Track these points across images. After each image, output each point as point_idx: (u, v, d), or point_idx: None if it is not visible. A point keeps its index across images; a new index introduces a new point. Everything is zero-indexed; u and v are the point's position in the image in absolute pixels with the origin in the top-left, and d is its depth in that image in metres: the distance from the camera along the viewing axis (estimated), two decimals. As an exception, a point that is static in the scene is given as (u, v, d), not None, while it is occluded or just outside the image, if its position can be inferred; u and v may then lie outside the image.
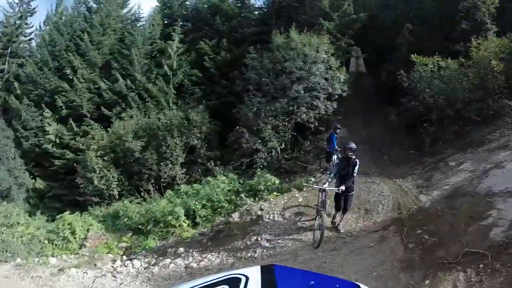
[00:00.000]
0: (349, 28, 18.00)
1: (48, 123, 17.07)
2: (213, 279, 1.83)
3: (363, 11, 18.99)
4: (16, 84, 18.59)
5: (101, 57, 18.31)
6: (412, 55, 14.92)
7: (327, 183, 8.30)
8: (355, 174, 8.13)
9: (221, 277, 1.84)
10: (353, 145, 8.08)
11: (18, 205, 13.31)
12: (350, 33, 18.04)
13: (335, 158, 11.95)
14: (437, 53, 14.71)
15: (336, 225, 8.76)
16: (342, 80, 15.16)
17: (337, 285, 1.93)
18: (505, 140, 10.85)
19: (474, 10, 15.90)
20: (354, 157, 8.09)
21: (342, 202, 8.33)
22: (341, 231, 8.59)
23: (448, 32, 16.61)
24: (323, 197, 8.17)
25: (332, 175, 8.29)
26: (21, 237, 10.03)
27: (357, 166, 8.12)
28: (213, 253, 8.67)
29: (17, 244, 9.63)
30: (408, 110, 14.77)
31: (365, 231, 8.47)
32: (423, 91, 14.04)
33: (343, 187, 7.94)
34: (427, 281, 5.59)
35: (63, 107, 17.21)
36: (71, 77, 17.49)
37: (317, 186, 8.83)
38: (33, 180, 16.28)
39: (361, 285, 1.97)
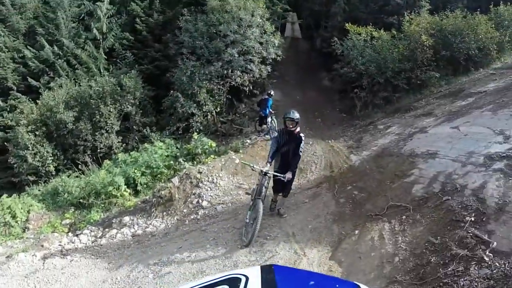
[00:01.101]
0: (285, -7, 18.06)
1: (-30, 101, 15.69)
2: (213, 279, 1.88)
3: (301, -23, 19.24)
4: None
5: (24, 22, 16.96)
6: (347, 24, 15.77)
7: (268, 165, 6.93)
8: (300, 154, 6.94)
9: (221, 277, 1.89)
10: (295, 115, 6.76)
11: None
12: (286, -2, 18.13)
13: (269, 121, 12.27)
14: (371, 23, 15.76)
15: (277, 209, 7.70)
16: (276, 44, 15.44)
17: (337, 285, 2.03)
18: (429, 108, 11.83)
19: (410, -14, 16.83)
20: (297, 130, 6.83)
21: (284, 183, 7.02)
22: (284, 216, 7.53)
23: (383, 4, 17.78)
24: (263, 182, 6.82)
25: (270, 153, 6.92)
26: None
27: (302, 144, 6.87)
28: (157, 219, 8.95)
29: None
30: (341, 75, 15.92)
31: (300, 189, 9.06)
32: (355, 58, 15.15)
33: (289, 175, 6.76)
34: (356, 231, 6.32)
35: None
36: None
37: (257, 167, 7.13)
38: (-39, 167, 15.13)
39: (361, 285, 2.05)
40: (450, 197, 5.99)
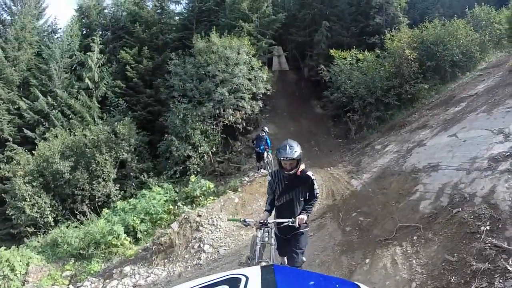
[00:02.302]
0: (269, 29, 18.79)
1: (-33, 153, 15.82)
2: (213, 279, 1.84)
3: (282, 11, 20.01)
4: None
5: (18, 74, 17.31)
6: (331, 50, 16.20)
7: (266, 214, 4.79)
8: (317, 195, 4.75)
9: (221, 277, 1.85)
10: (294, 151, 4.32)
11: None
12: (270, 33, 18.89)
13: (265, 156, 12.32)
14: (354, 46, 16.35)
15: None
16: (265, 79, 15.79)
17: (337, 285, 1.98)
18: (424, 120, 11.76)
19: (387, 5, 17.70)
20: (302, 168, 4.56)
21: (289, 245, 4.76)
22: None
23: (363, 26, 18.44)
24: (263, 239, 4.66)
25: (268, 200, 4.87)
26: None
27: (316, 184, 4.64)
28: (159, 267, 8.81)
29: None
30: (332, 101, 16.16)
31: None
32: (344, 82, 15.43)
33: (303, 216, 4.51)
34: (367, 260, 5.94)
35: None
36: None
37: (250, 220, 4.92)
38: (-39, 221, 15.10)
39: (361, 285, 1.99)
40: (460, 209, 5.68)
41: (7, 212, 13.42)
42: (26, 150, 14.85)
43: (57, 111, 16.18)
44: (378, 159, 10.67)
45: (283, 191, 4.74)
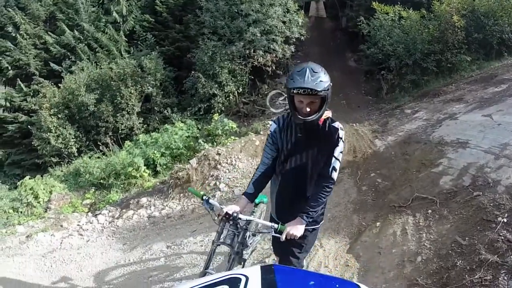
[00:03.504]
0: (310, -29, 17.61)
1: (-5, 88, 16.10)
2: (213, 279, 1.79)
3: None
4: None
5: (44, 9, 16.98)
6: (374, 3, 15.00)
7: (244, 202, 3.10)
8: (335, 174, 2.96)
9: (221, 277, 1.81)
10: (320, 81, 2.66)
11: None
12: (311, -24, 17.69)
13: None
14: (399, 2, 14.95)
15: None
16: (300, 23, 14.98)
17: (337, 285, 1.91)
18: (460, 94, 11.03)
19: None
20: (327, 116, 2.98)
21: (287, 242, 2.93)
22: None
23: None
24: (225, 237, 3.17)
25: (256, 176, 3.15)
26: None
27: (341, 148, 2.94)
28: (174, 201, 8.77)
29: None
30: (367, 56, 15.16)
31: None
32: (383, 38, 14.34)
33: (296, 230, 2.86)
34: (378, 223, 5.72)
35: (9, 68, 16.08)
36: (14, 35, 16.27)
37: (215, 204, 3.10)
38: (-12, 150, 15.56)
39: (361, 285, 1.93)
40: (481, 193, 5.28)
41: (33, 143, 13.75)
42: (53, 84, 14.82)
43: (83, 44, 15.92)
44: (406, 123, 10.12)
45: (291, 150, 3.02)
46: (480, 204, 4.99)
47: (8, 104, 15.87)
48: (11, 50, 16.16)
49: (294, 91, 2.70)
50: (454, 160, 6.71)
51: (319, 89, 2.66)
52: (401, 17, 14.72)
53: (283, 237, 2.86)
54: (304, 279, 1.94)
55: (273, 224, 2.94)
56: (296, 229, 2.88)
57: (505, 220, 4.52)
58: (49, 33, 16.50)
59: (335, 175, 2.97)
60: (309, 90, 2.65)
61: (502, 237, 4.26)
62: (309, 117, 2.79)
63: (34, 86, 15.51)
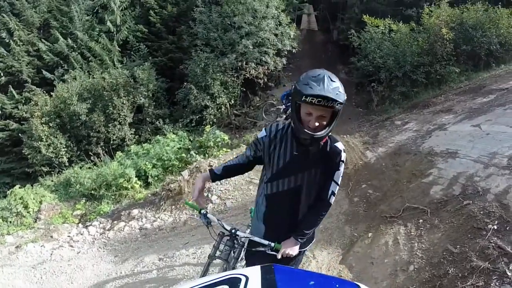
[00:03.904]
0: (301, -15, 17.74)
1: (-15, 94, 16.02)
2: (213, 279, 1.80)
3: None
4: None
5: (39, 16, 16.95)
6: (364, 16, 15.31)
7: (203, 176, 3.03)
8: (329, 202, 2.84)
9: (221, 277, 1.82)
10: (338, 92, 2.34)
11: None
12: (302, -11, 17.80)
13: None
14: (389, 16, 15.28)
15: None
16: (292, 36, 15.21)
17: (337, 285, 1.94)
18: (449, 104, 11.25)
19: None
20: (325, 139, 2.61)
21: (280, 263, 2.67)
22: None
23: None
24: (223, 251, 3.01)
25: (229, 162, 3.01)
26: None
27: (341, 170, 2.82)
28: (165, 213, 8.79)
29: None
30: (358, 69, 15.46)
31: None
32: (373, 51, 14.60)
33: (291, 250, 2.77)
34: (370, 234, 5.83)
35: (1, 74, 16.05)
36: (7, 41, 16.24)
37: (212, 218, 3.04)
38: (-22, 158, 15.46)
39: (361, 285, 1.98)
40: (471, 201, 5.43)
41: (23, 151, 13.65)
42: (45, 92, 14.78)
43: (77, 53, 15.94)
44: (396, 134, 10.31)
45: (285, 169, 2.65)
46: (471, 212, 5.14)
47: (-1, 112, 15.79)
48: (4, 56, 16.08)
49: (308, 99, 2.28)
50: (444, 170, 6.86)
51: (340, 100, 2.32)
52: (391, 30, 15.05)
53: (279, 255, 2.74)
54: (304, 279, 1.94)
55: (269, 242, 2.77)
56: (292, 249, 2.79)
57: (495, 227, 4.65)
58: (42, 40, 16.46)
59: (333, 199, 2.81)
60: (326, 100, 2.27)
61: (493, 244, 4.38)
62: (318, 133, 2.41)
63: (26, 93, 15.43)
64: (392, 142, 9.73)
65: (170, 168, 10.93)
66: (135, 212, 9.11)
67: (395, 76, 14.01)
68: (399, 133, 10.35)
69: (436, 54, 13.67)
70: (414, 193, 6.48)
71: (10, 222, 9.75)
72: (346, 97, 2.43)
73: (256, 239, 2.86)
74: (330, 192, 2.79)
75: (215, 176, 2.96)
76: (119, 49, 16.14)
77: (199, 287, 1.75)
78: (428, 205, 5.84)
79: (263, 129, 2.83)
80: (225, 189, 8.96)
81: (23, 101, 15.42)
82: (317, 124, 2.40)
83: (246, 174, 9.08)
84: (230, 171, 2.97)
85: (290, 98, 8.39)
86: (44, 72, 15.85)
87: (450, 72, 13.56)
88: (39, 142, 13.09)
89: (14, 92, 15.67)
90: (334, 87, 2.32)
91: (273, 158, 2.68)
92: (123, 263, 6.81)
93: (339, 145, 2.70)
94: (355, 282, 2.01)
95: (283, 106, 12.15)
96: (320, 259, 5.46)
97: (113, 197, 10.27)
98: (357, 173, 8.52)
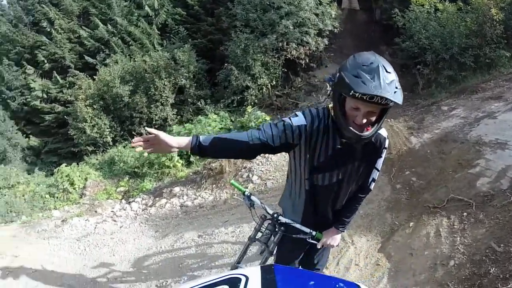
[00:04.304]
0: (342, -38, 17.14)
1: (32, 80, 16.72)
2: (213, 279, 1.78)
3: None
4: (-8, 46, 18.23)
5: (77, 4, 17.40)
6: None
7: (187, 141, 2.18)
8: (369, 189, 2.70)
9: (221, 277, 1.79)
10: (395, 93, 1.93)
11: (16, 165, 13.73)
12: (343, -33, 17.21)
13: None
14: None
15: None
16: (333, 15, 14.67)
17: (337, 285, 1.86)
18: (499, 91, 10.49)
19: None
20: (375, 129, 2.15)
21: (310, 257, 3.03)
22: None
23: None
24: (264, 234, 2.93)
25: (232, 135, 2.27)
26: (23, 195, 10.27)
27: (384, 156, 2.58)
28: (206, 191, 8.74)
29: (20, 203, 9.85)
30: (403, 50, 14.56)
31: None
32: (418, 31, 13.73)
33: (334, 241, 2.80)
34: (411, 223, 5.49)
35: (45, 61, 16.75)
36: (49, 30, 16.89)
37: (256, 200, 3.05)
38: (27, 139, 16.30)
39: (361, 285, 1.89)
40: None
41: (69, 132, 14.34)
42: (87, 76, 15.35)
43: (117, 38, 16.24)
44: (442, 120, 9.60)
45: (327, 163, 2.37)
46: (519, 209, 4.68)
47: (45, 96, 16.56)
48: (46, 44, 16.75)
49: (359, 96, 1.90)
50: (492, 161, 6.33)
51: (397, 102, 1.94)
52: (437, 10, 14.11)
53: (319, 245, 2.73)
54: (304, 279, 1.92)
55: (311, 230, 2.69)
56: (334, 239, 2.78)
57: (544, 228, 4.21)
58: (83, 27, 16.96)
59: (373, 185, 2.66)
60: (380, 98, 1.89)
61: (540, 247, 3.97)
62: (365, 133, 2.11)
63: (69, 78, 16.06)
64: (438, 128, 9.11)
65: None
66: (176, 189, 9.11)
67: (442, 58, 13.16)
68: (446, 119, 9.67)
69: (485, 36, 12.70)
70: (460, 183, 6.02)
71: (57, 197, 10.19)
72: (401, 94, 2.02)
73: (298, 226, 2.72)
74: (371, 179, 2.62)
75: (199, 148, 2.16)
76: (159, 32, 16.27)
77: (199, 287, 1.74)
78: (474, 198, 5.40)
79: (300, 114, 2.32)
80: (266, 169, 8.81)
81: (67, 86, 16.12)
82: (364, 120, 2.07)
83: (287, 155, 8.99)
84: (222, 149, 2.24)
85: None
86: (86, 57, 16.35)
87: (501, 56, 12.61)
88: (84, 123, 13.63)
89: (58, 77, 16.38)
90: (390, 81, 1.94)
91: (314, 150, 2.34)
92: (163, 238, 6.83)
93: (383, 132, 2.43)
94: (355, 282, 1.91)
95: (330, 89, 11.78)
96: (358, 246, 5.20)
97: (155, 175, 10.39)
98: (401, 159, 8.06)
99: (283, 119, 2.31)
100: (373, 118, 2.09)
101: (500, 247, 4.21)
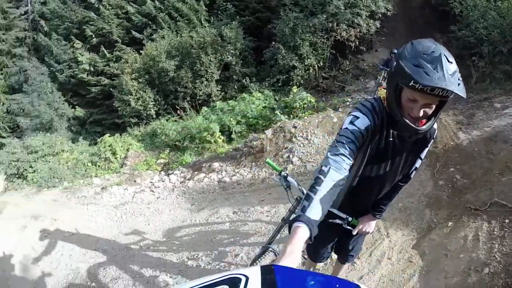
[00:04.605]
0: None
1: (80, 54, 17.09)
2: (213, 279, 1.68)
3: None
4: (42, 22, 18.86)
5: (125, -20, 17.62)
6: None
7: (303, 236, 1.70)
8: (415, 171, 2.52)
9: (221, 277, 1.68)
10: (456, 83, 1.71)
11: (61, 134, 13.97)
12: None
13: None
14: None
15: None
16: (386, -3, 13.97)
17: (337, 285, 1.72)
18: None
19: None
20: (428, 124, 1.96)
21: (345, 243, 3.02)
22: None
23: None
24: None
25: (328, 180, 1.81)
26: (66, 163, 10.63)
27: (429, 146, 2.41)
28: (245, 168, 8.66)
29: (63, 170, 10.21)
30: (458, 39, 13.59)
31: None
32: (476, 20, 12.83)
33: (369, 227, 2.74)
34: (450, 223, 5.19)
35: (93, 36, 17.10)
36: (97, 6, 17.26)
37: (293, 181, 2.95)
38: (73, 109, 16.63)
39: (361, 285, 1.72)
40: None
41: (114, 104, 14.63)
42: (134, 50, 15.52)
43: (164, 14, 16.27)
44: (494, 118, 9.03)
45: (377, 156, 2.24)
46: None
47: (92, 69, 16.89)
48: (94, 20, 17.08)
49: (418, 87, 1.71)
50: None
51: (463, 95, 1.75)
52: (498, -1, 13.26)
53: (355, 231, 2.67)
54: (304, 279, 1.77)
55: (347, 216, 2.59)
56: (369, 225, 2.71)
57: None
58: (130, 3, 17.12)
59: (414, 174, 2.52)
60: (442, 90, 1.69)
61: None
62: (423, 127, 1.94)
63: (116, 52, 16.35)
64: (488, 126, 8.59)
65: (253, 126, 10.87)
66: (215, 165, 9.08)
67: (500, 51, 12.23)
68: (498, 117, 9.10)
69: None
70: (505, 188, 5.64)
71: (99, 166, 10.49)
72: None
73: (335, 211, 2.61)
74: (414, 168, 2.47)
75: (313, 225, 1.74)
76: (206, 9, 16.11)
77: (199, 287, 1.64)
78: None
79: (360, 115, 2.07)
80: (307, 151, 8.54)
81: (114, 59, 16.41)
82: (421, 113, 1.87)
83: (330, 138, 8.70)
84: (329, 198, 1.84)
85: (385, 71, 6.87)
86: (133, 32, 16.50)
87: None
88: (129, 96, 13.83)
89: (105, 51, 16.66)
90: (453, 72, 1.74)
91: (368, 146, 2.19)
92: (198, 212, 6.83)
93: (435, 125, 2.20)
94: (355, 282, 1.76)
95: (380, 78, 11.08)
96: (393, 239, 4.96)
97: (196, 149, 10.42)
98: (446, 155, 7.69)
99: (346, 127, 2.06)
100: (430, 111, 1.91)
101: (540, 261, 3.92)
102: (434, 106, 1.89)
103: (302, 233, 1.70)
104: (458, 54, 14.09)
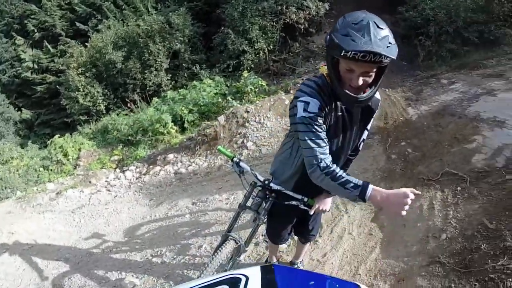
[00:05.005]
0: None
1: (22, 51, 16.35)
2: (213, 279, 1.79)
3: None
4: (-20, 18, 17.78)
5: (67, -32, 16.81)
6: None
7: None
8: (363, 143, 2.62)
9: (221, 277, 1.80)
10: (390, 47, 1.82)
11: (9, 140, 13.60)
12: None
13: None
14: None
15: (291, 261, 3.97)
16: (335, -20, 14.06)
17: (337, 285, 1.92)
18: (501, 69, 10.31)
19: None
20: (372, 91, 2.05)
21: (304, 223, 3.10)
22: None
23: None
24: (253, 202, 2.89)
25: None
26: (17, 170, 10.15)
27: (374, 116, 2.48)
28: (200, 157, 8.67)
29: (14, 178, 9.73)
30: (405, 20, 13.95)
31: (349, 138, 8.19)
32: (423, 1, 13.28)
33: (325, 206, 2.74)
34: None
35: (35, 31, 16.35)
36: None
37: (246, 167, 2.84)
38: (19, 112, 16.04)
39: (361, 285, 1.90)
40: None
41: (61, 102, 14.17)
42: (79, 43, 15.08)
43: (109, 2, 15.72)
44: (441, 94, 9.55)
45: (328, 133, 2.21)
46: (512, 189, 4.64)
47: (36, 66, 16.20)
48: (36, 13, 16.31)
49: (349, 55, 1.77)
50: (489, 138, 6.25)
51: (391, 56, 1.79)
52: (445, -20, 13.68)
53: (312, 211, 2.68)
54: (304, 279, 1.94)
55: (303, 197, 2.62)
56: (325, 203, 2.72)
57: (537, 208, 4.15)
58: (73, -8, 16.41)
59: (362, 146, 2.61)
60: (373, 55, 1.75)
61: (532, 226, 3.93)
62: (363, 95, 2.00)
63: (61, 46, 15.72)
64: (436, 101, 9.07)
65: (206, 114, 10.80)
66: (170, 156, 9.03)
67: (445, 31, 12.72)
68: (445, 92, 9.60)
69: (492, 13, 12.37)
70: (455, 158, 5.95)
71: (51, 170, 10.13)
72: (397, 49, 1.87)
73: (290, 193, 2.65)
74: (361, 140, 2.56)
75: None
76: (153, -5, 15.65)
77: (199, 287, 1.75)
78: (468, 173, 5.32)
79: (308, 98, 2.10)
80: (261, 135, 8.66)
81: (59, 54, 15.78)
82: (360, 82, 1.94)
83: (283, 121, 8.79)
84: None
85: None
86: (78, 24, 15.92)
87: (505, 34, 12.28)
88: (77, 92, 13.42)
89: (49, 46, 16.00)
90: (382, 36, 1.81)
91: (332, 122, 2.25)
92: (157, 207, 6.80)
93: (377, 94, 2.27)
94: (355, 282, 1.96)
95: None
96: (352, 214, 5.15)
97: (149, 142, 10.28)
98: (397, 130, 8.01)
99: (302, 115, 2.10)
100: (370, 80, 1.97)
101: (492, 224, 4.16)
102: (373, 74, 1.95)
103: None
104: (405, 34, 14.54)
